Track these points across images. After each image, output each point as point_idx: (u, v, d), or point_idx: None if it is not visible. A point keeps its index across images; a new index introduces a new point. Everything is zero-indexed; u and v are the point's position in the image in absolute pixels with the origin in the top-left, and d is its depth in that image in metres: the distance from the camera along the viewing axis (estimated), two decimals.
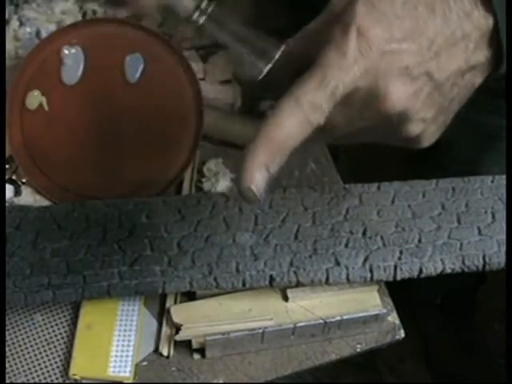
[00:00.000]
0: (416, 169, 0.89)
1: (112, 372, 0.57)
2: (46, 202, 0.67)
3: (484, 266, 0.57)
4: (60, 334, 0.60)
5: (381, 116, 0.40)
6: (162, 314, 0.60)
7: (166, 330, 0.59)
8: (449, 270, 0.57)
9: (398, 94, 0.40)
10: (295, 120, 0.39)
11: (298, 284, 0.57)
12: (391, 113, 0.40)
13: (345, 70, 0.39)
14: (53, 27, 0.75)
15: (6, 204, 0.66)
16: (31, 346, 0.59)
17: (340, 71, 0.39)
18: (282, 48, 0.42)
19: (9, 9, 0.76)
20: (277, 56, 0.42)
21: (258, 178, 0.39)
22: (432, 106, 0.42)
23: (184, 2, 0.39)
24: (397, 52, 0.39)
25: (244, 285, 0.57)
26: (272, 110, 0.39)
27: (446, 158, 0.84)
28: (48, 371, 0.58)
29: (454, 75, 0.41)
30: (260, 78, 0.40)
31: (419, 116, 0.41)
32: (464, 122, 0.77)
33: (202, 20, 0.39)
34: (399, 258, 0.57)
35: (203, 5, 0.39)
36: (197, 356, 0.59)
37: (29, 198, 0.67)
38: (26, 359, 0.58)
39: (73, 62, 0.69)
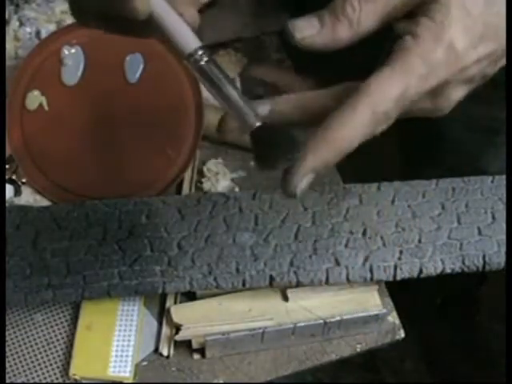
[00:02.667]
0: (416, 163, 0.89)
1: (112, 372, 0.57)
2: (45, 202, 0.67)
3: (484, 266, 0.57)
4: (60, 334, 0.60)
5: (432, 108, 0.41)
6: (162, 314, 0.60)
7: (165, 330, 0.60)
8: (449, 270, 0.57)
9: (457, 98, 0.41)
10: (363, 129, 0.38)
11: (298, 284, 0.57)
12: (444, 109, 0.41)
13: (424, 79, 0.38)
14: (53, 27, 0.75)
15: (6, 204, 0.66)
16: (31, 346, 0.59)
17: (420, 81, 0.38)
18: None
19: (9, 9, 0.76)
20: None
21: (304, 184, 0.38)
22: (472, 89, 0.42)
23: (186, 41, 0.39)
24: (471, 64, 0.39)
25: (244, 285, 0.57)
26: (340, 104, 0.38)
27: (445, 152, 0.84)
28: (48, 371, 0.58)
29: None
30: (249, 131, 0.39)
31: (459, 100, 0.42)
32: (463, 115, 0.77)
33: (202, 61, 0.39)
34: (399, 258, 0.57)
35: (200, 52, 0.39)
36: (197, 356, 0.59)
37: (29, 198, 0.67)
38: (25, 359, 0.58)
39: (73, 62, 0.69)
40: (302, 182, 0.38)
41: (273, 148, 0.39)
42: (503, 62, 0.42)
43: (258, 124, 0.39)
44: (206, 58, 0.39)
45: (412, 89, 0.38)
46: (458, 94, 0.41)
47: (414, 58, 0.38)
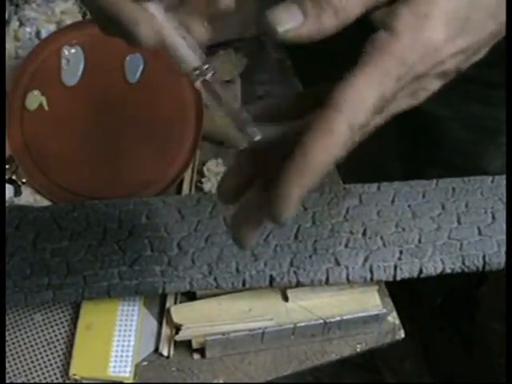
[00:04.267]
0: (416, 163, 0.89)
1: (112, 372, 0.57)
2: (46, 202, 0.67)
3: (484, 266, 0.57)
4: (60, 333, 0.60)
5: (409, 104, 0.39)
6: (162, 314, 0.60)
7: (165, 330, 0.60)
8: (449, 270, 0.57)
9: (431, 91, 0.39)
10: (343, 145, 0.36)
11: (298, 284, 0.57)
12: (419, 101, 0.40)
13: (401, 80, 0.36)
14: (53, 27, 0.75)
15: (6, 204, 0.66)
16: (31, 345, 0.59)
17: (396, 83, 0.36)
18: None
19: (9, 9, 0.76)
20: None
21: (293, 210, 0.37)
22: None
23: (187, 58, 0.39)
24: (447, 58, 0.38)
25: (244, 285, 0.57)
26: (315, 122, 0.36)
27: (445, 152, 0.84)
28: (48, 371, 0.58)
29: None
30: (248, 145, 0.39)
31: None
32: (463, 114, 0.77)
33: (206, 76, 0.39)
34: (399, 258, 0.57)
35: (203, 68, 0.39)
36: (197, 356, 0.59)
37: (29, 198, 0.67)
38: (25, 359, 0.58)
39: (73, 62, 0.69)
40: (292, 211, 0.37)
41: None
42: (478, 57, 0.41)
43: (257, 138, 0.39)
44: (208, 76, 0.39)
45: (388, 93, 0.36)
46: (432, 87, 0.39)
47: (390, 60, 0.36)
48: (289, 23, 0.36)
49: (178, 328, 0.58)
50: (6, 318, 0.59)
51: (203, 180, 0.68)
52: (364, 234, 0.59)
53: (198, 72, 0.39)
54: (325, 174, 0.37)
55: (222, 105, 0.40)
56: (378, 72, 0.36)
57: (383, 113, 0.38)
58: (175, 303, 0.60)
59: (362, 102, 0.35)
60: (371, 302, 0.60)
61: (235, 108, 0.39)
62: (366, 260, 0.57)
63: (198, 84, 0.39)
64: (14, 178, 0.68)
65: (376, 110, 0.36)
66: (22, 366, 0.58)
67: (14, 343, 0.59)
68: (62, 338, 0.60)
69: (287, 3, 0.37)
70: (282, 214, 0.37)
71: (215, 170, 0.68)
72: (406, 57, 0.36)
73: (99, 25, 0.41)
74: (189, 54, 0.40)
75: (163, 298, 0.61)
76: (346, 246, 0.58)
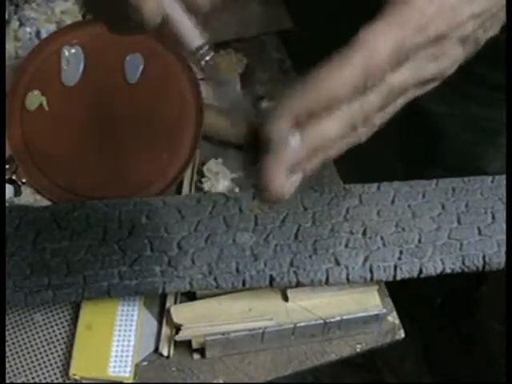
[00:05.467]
0: (416, 163, 0.89)
1: (112, 372, 0.57)
2: (46, 202, 0.67)
3: (484, 266, 0.57)
4: (60, 333, 0.60)
5: (437, 73, 0.39)
6: (162, 314, 0.60)
7: (165, 330, 0.60)
8: (449, 270, 0.57)
9: (455, 58, 0.39)
10: (353, 82, 0.34)
11: (298, 284, 0.57)
12: (446, 72, 0.39)
13: (423, 31, 0.36)
14: (53, 27, 0.75)
15: (6, 204, 0.66)
16: (31, 345, 0.59)
17: (418, 32, 0.36)
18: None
19: (9, 9, 0.76)
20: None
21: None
22: (465, 58, 0.41)
23: (191, 35, 0.39)
24: (466, 19, 0.38)
25: (244, 285, 0.57)
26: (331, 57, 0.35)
27: (445, 152, 0.84)
28: (48, 371, 0.58)
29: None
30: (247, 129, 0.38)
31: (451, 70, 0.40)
32: (463, 115, 0.77)
33: (206, 57, 0.39)
34: (399, 258, 0.57)
35: (206, 47, 0.39)
36: (197, 356, 0.59)
37: (29, 197, 0.67)
38: (25, 359, 0.58)
39: (73, 61, 0.69)
40: (282, 127, 0.34)
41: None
42: (492, 31, 0.41)
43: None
44: (207, 57, 0.39)
45: (409, 41, 0.36)
46: (455, 52, 0.39)
47: (410, 9, 0.36)
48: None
49: (178, 328, 0.58)
50: (6, 317, 0.59)
51: (203, 180, 0.68)
52: (364, 233, 0.59)
53: (202, 51, 0.39)
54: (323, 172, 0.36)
55: (223, 87, 0.39)
56: (397, 19, 0.36)
57: (406, 70, 0.37)
58: (175, 303, 0.60)
59: (381, 43, 0.35)
60: (371, 301, 0.60)
61: (236, 91, 0.39)
62: (366, 260, 0.57)
63: (202, 63, 0.39)
64: (14, 178, 0.68)
65: (395, 57, 0.36)
66: (22, 366, 0.58)
67: (14, 343, 0.59)
68: (62, 338, 0.60)
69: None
70: (274, 131, 0.35)
71: (215, 169, 0.68)
72: (424, 7, 0.36)
73: (106, 17, 0.41)
74: (193, 31, 0.39)
75: (163, 298, 0.61)
76: (346, 245, 0.58)
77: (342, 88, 0.35)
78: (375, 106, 0.37)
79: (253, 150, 0.36)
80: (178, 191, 0.68)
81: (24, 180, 0.68)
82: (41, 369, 0.58)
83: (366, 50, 0.35)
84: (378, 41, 0.35)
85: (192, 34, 0.39)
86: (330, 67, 0.35)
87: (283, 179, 0.35)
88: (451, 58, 0.39)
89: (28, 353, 0.59)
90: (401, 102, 0.39)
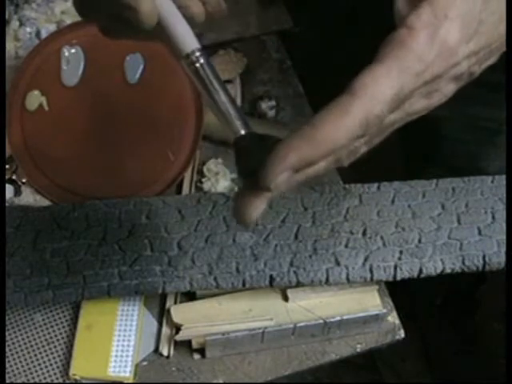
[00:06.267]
0: (416, 163, 0.89)
1: (112, 372, 0.57)
2: (46, 202, 0.67)
3: (484, 266, 0.57)
4: (60, 333, 0.60)
5: (426, 107, 0.40)
6: (162, 314, 0.60)
7: (165, 330, 0.60)
8: (449, 270, 0.57)
9: (447, 95, 0.39)
10: (353, 132, 0.35)
11: (298, 284, 0.57)
12: (434, 106, 0.40)
13: (419, 77, 0.36)
14: (53, 27, 0.75)
15: (6, 204, 0.66)
16: (31, 345, 0.59)
17: (415, 79, 0.36)
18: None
19: (9, 9, 0.76)
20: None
21: (280, 180, 0.35)
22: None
23: (184, 41, 0.39)
24: (462, 60, 0.38)
25: (244, 285, 0.57)
26: (332, 102, 0.35)
27: (445, 152, 0.84)
28: (48, 371, 0.58)
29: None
30: (233, 139, 0.38)
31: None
32: (463, 116, 0.77)
33: (200, 61, 0.39)
34: (399, 258, 0.57)
35: (197, 53, 0.39)
36: (197, 356, 0.59)
37: (29, 198, 0.67)
38: (25, 359, 0.58)
39: (73, 62, 0.69)
40: (278, 177, 0.35)
41: (255, 157, 0.37)
42: (490, 61, 0.41)
43: (243, 132, 0.38)
44: (202, 61, 0.39)
45: (407, 88, 0.36)
46: (448, 90, 0.39)
47: (410, 55, 0.36)
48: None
49: (178, 328, 0.58)
50: (6, 317, 0.59)
51: (203, 180, 0.68)
52: (364, 233, 0.59)
53: (196, 54, 0.39)
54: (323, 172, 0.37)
55: (212, 93, 0.39)
56: (397, 65, 0.36)
57: (399, 111, 0.38)
58: (175, 303, 0.60)
59: (381, 92, 0.35)
60: (371, 301, 0.60)
61: (226, 98, 0.39)
62: (366, 260, 0.57)
63: (194, 68, 0.39)
64: (14, 177, 0.68)
65: (393, 105, 0.36)
66: (22, 366, 0.58)
67: (14, 343, 0.59)
68: (62, 338, 0.60)
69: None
70: (268, 175, 0.36)
71: (215, 169, 0.68)
72: (424, 54, 0.36)
73: (100, 20, 0.41)
74: (187, 35, 0.39)
75: (163, 297, 0.61)
76: (346, 245, 0.58)
77: (341, 139, 0.35)
78: (364, 142, 0.38)
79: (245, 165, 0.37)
80: (178, 191, 0.68)
81: (24, 180, 0.68)
82: (41, 369, 0.58)
83: (366, 99, 0.35)
84: (378, 88, 0.35)
85: (186, 38, 0.39)
86: (329, 117, 0.35)
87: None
88: (442, 93, 0.40)
89: (28, 353, 0.59)
90: (386, 133, 0.40)
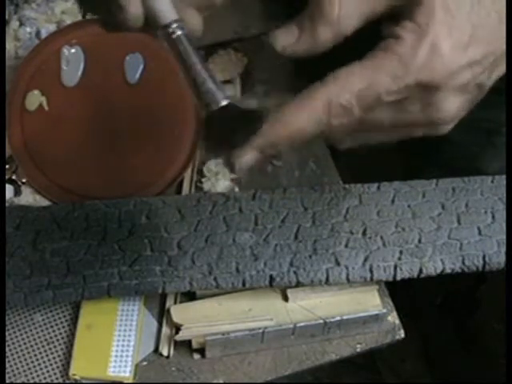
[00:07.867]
0: (416, 163, 0.89)
1: (112, 372, 0.57)
2: (46, 202, 0.67)
3: (484, 265, 0.57)
4: (60, 333, 0.60)
5: (426, 121, 0.40)
6: (162, 314, 0.60)
7: (165, 330, 0.60)
8: (449, 270, 0.57)
9: (451, 109, 0.40)
10: (316, 117, 0.37)
11: (298, 284, 0.57)
12: (441, 122, 0.40)
13: (399, 79, 0.37)
14: (53, 27, 0.75)
15: (6, 204, 0.66)
16: (31, 345, 0.59)
17: (393, 80, 0.37)
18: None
19: (9, 9, 0.76)
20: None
21: (246, 159, 0.39)
22: (470, 103, 0.41)
23: (165, 10, 0.39)
24: (460, 69, 0.38)
25: (244, 285, 0.57)
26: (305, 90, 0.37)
27: (445, 152, 0.84)
28: (48, 371, 0.58)
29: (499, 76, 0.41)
30: (215, 108, 0.38)
31: (459, 116, 0.41)
32: (463, 117, 0.77)
33: (178, 32, 0.39)
34: (399, 258, 0.57)
35: (174, 25, 0.39)
36: (197, 356, 0.59)
37: (29, 198, 0.67)
38: (26, 359, 0.58)
39: (73, 62, 0.69)
40: (244, 156, 0.39)
41: (229, 131, 0.38)
42: (500, 70, 0.40)
43: (224, 102, 0.38)
44: (179, 32, 0.39)
45: (380, 86, 0.37)
46: (451, 104, 0.39)
47: (391, 57, 0.37)
48: (285, 40, 0.40)
49: (178, 328, 0.58)
50: (6, 317, 0.59)
51: (203, 180, 0.68)
52: (364, 233, 0.59)
53: (173, 26, 0.39)
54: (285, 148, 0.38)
55: (189, 65, 0.39)
56: (373, 64, 0.37)
57: (387, 109, 0.38)
58: (175, 303, 0.60)
59: (349, 82, 0.37)
60: (371, 301, 0.60)
61: (204, 71, 0.39)
62: (366, 260, 0.57)
63: (171, 40, 0.39)
64: (14, 178, 0.68)
65: (364, 99, 0.37)
66: (22, 366, 0.58)
67: (14, 343, 0.59)
68: (62, 338, 0.60)
69: (291, 21, 0.39)
70: (234, 154, 0.39)
71: (215, 169, 0.68)
72: (407, 57, 0.37)
73: (99, 13, 0.42)
74: (166, 6, 0.39)
75: (163, 297, 0.61)
76: (346, 245, 0.58)
77: (303, 122, 0.37)
78: (338, 131, 0.40)
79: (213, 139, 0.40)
80: (178, 191, 0.68)
81: (24, 180, 0.68)
82: (41, 369, 0.58)
83: (333, 86, 0.37)
84: (348, 79, 0.37)
85: (164, 9, 0.39)
86: (295, 100, 0.38)
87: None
88: (445, 106, 0.40)
89: (28, 353, 0.59)
90: (380, 132, 0.40)
